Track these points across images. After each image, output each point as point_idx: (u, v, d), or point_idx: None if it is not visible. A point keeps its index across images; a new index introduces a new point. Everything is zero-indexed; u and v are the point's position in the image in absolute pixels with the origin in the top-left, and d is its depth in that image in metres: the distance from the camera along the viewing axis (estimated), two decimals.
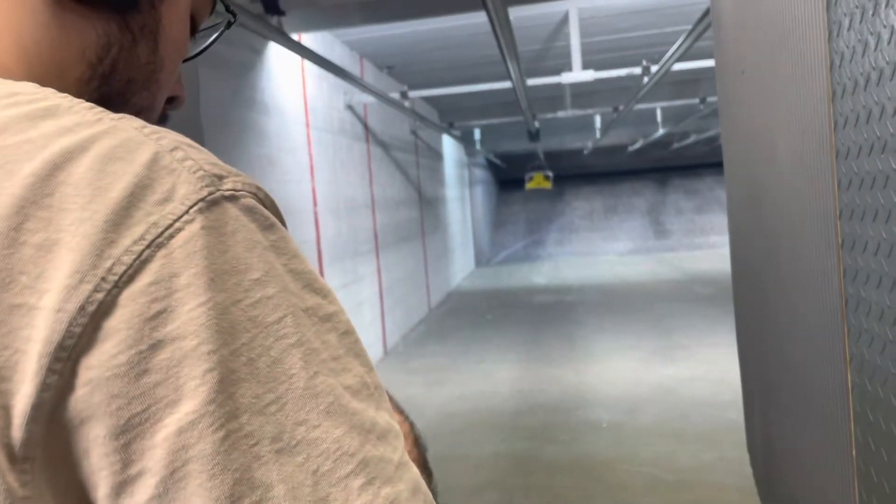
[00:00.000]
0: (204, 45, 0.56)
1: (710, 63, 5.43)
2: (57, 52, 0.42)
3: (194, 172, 0.33)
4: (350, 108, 6.57)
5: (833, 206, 0.99)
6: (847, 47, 0.90)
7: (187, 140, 0.36)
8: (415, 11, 4.84)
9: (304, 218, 5.12)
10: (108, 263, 0.31)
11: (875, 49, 0.83)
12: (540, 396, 5.21)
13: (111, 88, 0.45)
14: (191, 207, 0.32)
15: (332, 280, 5.55)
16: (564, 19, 6.10)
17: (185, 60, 0.51)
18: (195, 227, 0.32)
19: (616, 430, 4.35)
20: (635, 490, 3.53)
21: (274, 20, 4.14)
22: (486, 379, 5.80)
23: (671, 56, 5.09)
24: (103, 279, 0.30)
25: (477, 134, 12.61)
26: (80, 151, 0.32)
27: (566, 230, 18.66)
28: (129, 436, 0.30)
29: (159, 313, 0.31)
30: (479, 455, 4.12)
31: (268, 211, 0.36)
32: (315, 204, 5.38)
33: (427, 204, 9.99)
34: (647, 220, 18.58)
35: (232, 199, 0.34)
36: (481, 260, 15.52)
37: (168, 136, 0.35)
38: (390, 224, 7.74)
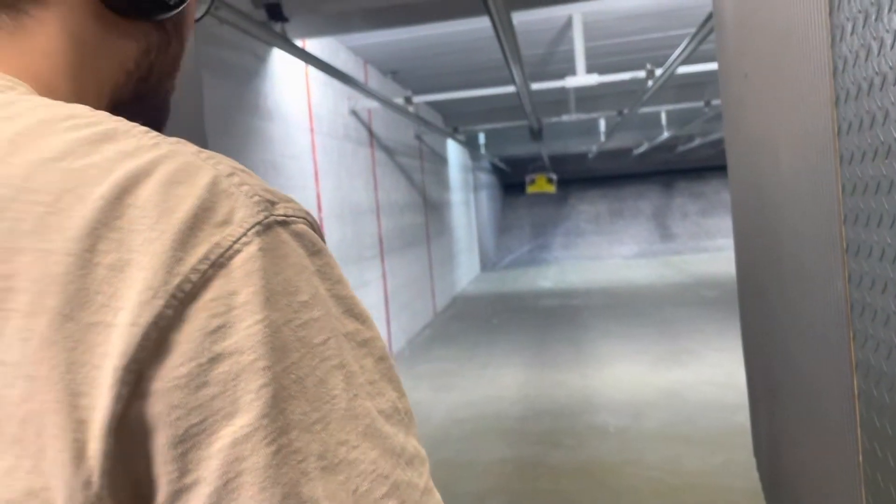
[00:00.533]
0: (200, 14, 0.58)
1: (714, 66, 5.42)
2: (99, 69, 0.45)
3: (250, 197, 0.35)
4: (354, 113, 6.58)
5: (837, 211, 0.98)
6: (850, 52, 0.90)
7: (241, 166, 0.38)
8: (418, 17, 4.85)
9: None
10: (177, 280, 0.32)
11: (878, 54, 0.83)
12: (546, 401, 5.20)
13: (146, 86, 0.48)
14: (249, 230, 0.34)
15: None
16: (568, 23, 6.11)
17: None
18: (253, 248, 0.34)
19: (622, 435, 4.34)
20: (642, 494, 3.51)
21: (278, 27, 4.15)
22: (492, 384, 5.79)
23: (675, 59, 5.08)
24: (173, 295, 0.32)
25: (482, 138, 12.61)
26: (144, 175, 0.34)
27: (572, 234, 18.65)
28: (186, 445, 0.31)
29: (219, 328, 0.32)
30: (486, 460, 4.11)
31: (318, 237, 0.37)
32: (320, 209, 5.38)
33: (432, 208, 10.00)
34: (652, 224, 18.55)
35: (283, 224, 0.35)
36: (486, 264, 15.52)
37: (224, 162, 0.37)
38: (395, 229, 7.75)
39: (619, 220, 18.87)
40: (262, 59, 4.56)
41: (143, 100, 0.49)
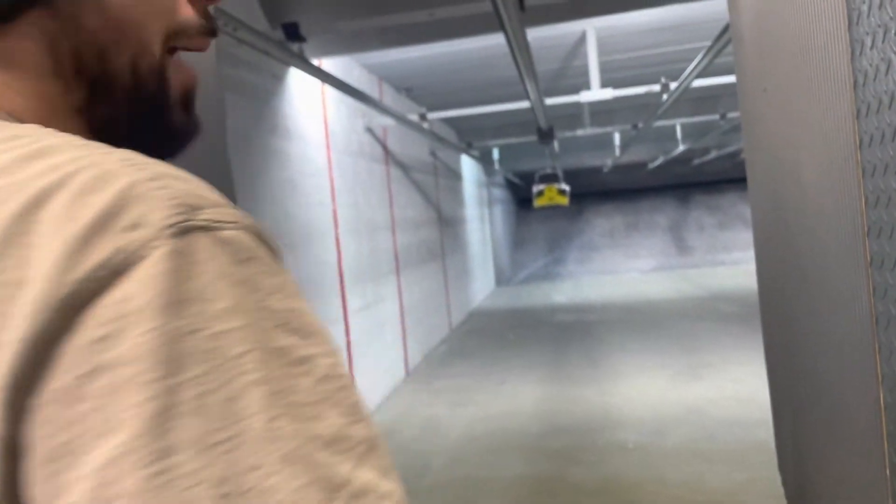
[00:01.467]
0: None
1: (730, 79, 5.42)
2: (26, 91, 0.40)
3: (169, 200, 0.32)
4: (369, 130, 6.64)
5: (861, 224, 0.98)
6: (870, 66, 0.90)
7: (181, 173, 0.34)
8: (433, 34, 4.89)
9: (326, 240, 5.16)
10: (66, 289, 0.30)
11: None
12: (564, 417, 5.16)
13: (92, 72, 0.42)
14: (159, 233, 0.31)
15: (353, 301, 5.57)
16: (582, 38, 6.13)
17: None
18: (160, 252, 0.31)
19: (642, 452, 4.30)
20: None
21: (295, 47, 4.21)
22: (510, 399, 5.77)
23: (690, 73, 5.09)
24: (61, 306, 0.30)
25: (496, 153, 12.65)
26: (56, 188, 0.32)
27: (587, 248, 18.59)
28: (57, 466, 0.29)
29: (105, 337, 0.29)
30: (505, 476, 4.09)
31: (255, 245, 0.34)
32: (336, 226, 5.42)
33: (446, 224, 10.02)
34: (668, 237, 18.46)
35: (205, 229, 0.32)
36: (501, 279, 15.50)
37: (152, 169, 0.34)
38: (410, 245, 7.77)
39: (634, 234, 18.80)
40: (279, 79, 4.62)
41: (113, 86, 0.43)
